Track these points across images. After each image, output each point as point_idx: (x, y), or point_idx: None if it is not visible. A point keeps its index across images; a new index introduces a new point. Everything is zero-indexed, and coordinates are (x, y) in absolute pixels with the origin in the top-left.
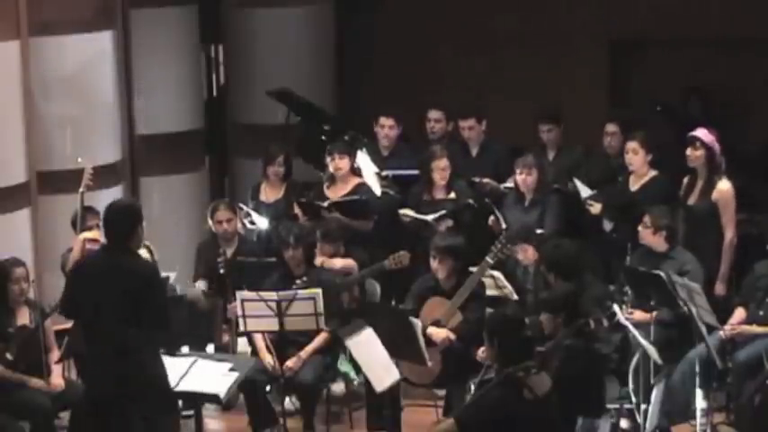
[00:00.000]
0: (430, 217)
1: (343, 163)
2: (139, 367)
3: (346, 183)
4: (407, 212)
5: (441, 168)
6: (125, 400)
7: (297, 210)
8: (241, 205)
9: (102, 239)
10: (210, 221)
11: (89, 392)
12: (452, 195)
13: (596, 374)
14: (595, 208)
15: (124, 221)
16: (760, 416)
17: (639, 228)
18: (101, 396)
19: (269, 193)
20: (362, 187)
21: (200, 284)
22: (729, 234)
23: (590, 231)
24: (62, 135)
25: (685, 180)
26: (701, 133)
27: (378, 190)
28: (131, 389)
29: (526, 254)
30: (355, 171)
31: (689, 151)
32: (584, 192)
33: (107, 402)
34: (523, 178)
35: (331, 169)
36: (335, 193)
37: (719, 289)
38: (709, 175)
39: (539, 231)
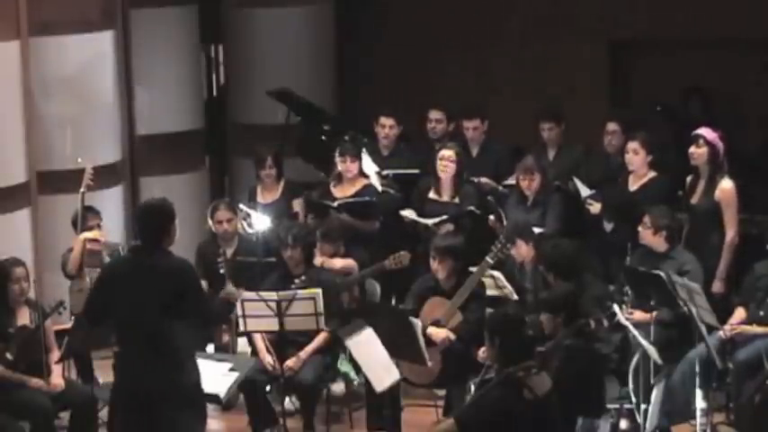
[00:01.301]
0: (430, 221)
1: (354, 166)
2: (178, 367)
3: (354, 183)
4: (409, 215)
5: (444, 158)
6: (162, 400)
7: (297, 207)
8: (241, 206)
9: (103, 239)
10: (210, 221)
11: (122, 391)
12: (457, 200)
13: (596, 374)
14: (595, 207)
15: (157, 220)
16: (760, 416)
17: (639, 228)
18: (137, 396)
19: (265, 195)
20: (369, 188)
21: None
22: (731, 233)
23: (590, 231)
24: (62, 135)
25: (688, 179)
26: (705, 131)
27: (378, 189)
28: (170, 389)
29: (519, 250)
30: (363, 173)
31: (692, 149)
32: (584, 191)
33: (143, 402)
34: (527, 184)
35: (341, 170)
36: (342, 193)
37: (717, 287)
38: (712, 174)
39: (539, 230)
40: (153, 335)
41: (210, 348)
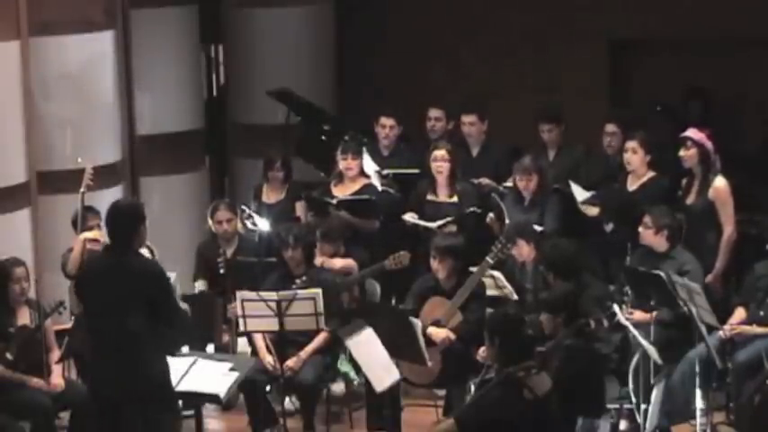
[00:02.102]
0: (434, 225)
1: (355, 164)
2: (144, 368)
3: (354, 182)
4: (412, 219)
5: (437, 159)
6: (129, 400)
7: (299, 210)
8: (243, 207)
9: (103, 239)
10: (210, 221)
11: (93, 392)
12: (455, 199)
13: (596, 374)
14: (591, 211)
15: (127, 221)
16: (760, 416)
17: (640, 228)
18: (105, 396)
19: (270, 195)
20: (370, 188)
21: (200, 284)
22: (729, 230)
23: (590, 231)
24: (62, 135)
25: (684, 181)
26: (691, 132)
27: (378, 188)
28: (136, 389)
29: (520, 250)
30: (363, 172)
31: (681, 152)
32: (580, 195)
33: (111, 402)
34: (524, 185)
35: (342, 168)
36: (343, 192)
37: (712, 281)
38: (705, 173)
39: (538, 229)
40: (120, 334)
41: (210, 348)
